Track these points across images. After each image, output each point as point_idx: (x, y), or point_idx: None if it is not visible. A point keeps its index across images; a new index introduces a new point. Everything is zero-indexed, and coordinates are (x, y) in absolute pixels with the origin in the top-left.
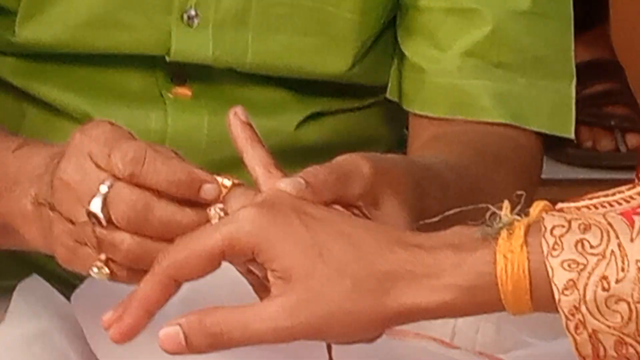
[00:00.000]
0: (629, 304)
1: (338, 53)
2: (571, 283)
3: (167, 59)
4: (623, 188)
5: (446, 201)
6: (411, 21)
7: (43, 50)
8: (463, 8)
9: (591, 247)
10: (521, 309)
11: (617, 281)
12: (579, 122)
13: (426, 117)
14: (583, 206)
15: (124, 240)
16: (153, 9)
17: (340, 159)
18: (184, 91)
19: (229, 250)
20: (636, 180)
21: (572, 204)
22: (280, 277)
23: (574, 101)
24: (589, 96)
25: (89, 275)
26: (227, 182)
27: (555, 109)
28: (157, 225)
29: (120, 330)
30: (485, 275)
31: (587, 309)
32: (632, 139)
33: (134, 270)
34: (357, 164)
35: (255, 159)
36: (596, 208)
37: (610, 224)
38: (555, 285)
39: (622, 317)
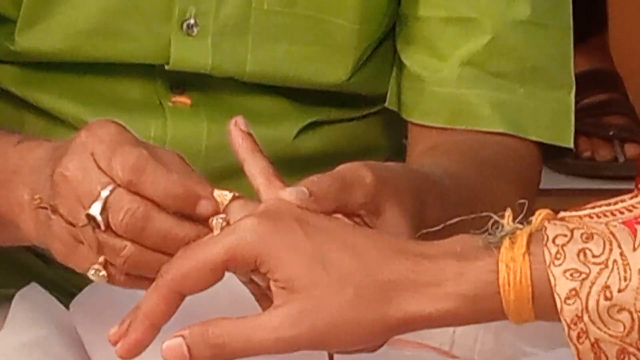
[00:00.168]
0: (631, 313)
1: (337, 62)
2: (573, 292)
3: (167, 67)
4: (625, 197)
5: (446, 209)
6: (410, 31)
7: (43, 59)
8: (462, 17)
9: (593, 256)
10: (523, 318)
11: (619, 290)
12: (577, 132)
13: (425, 126)
14: (585, 215)
15: (125, 246)
16: (152, 18)
17: (342, 167)
18: (183, 100)
19: (232, 261)
20: (636, 190)
21: (574, 213)
22: (282, 287)
23: (573, 111)
24: (588, 106)
25: (86, 275)
26: (227, 195)
27: (554, 118)
28: (154, 237)
29: (127, 346)
30: (488, 284)
31: (590, 318)
32: (630, 149)
33: (132, 275)
34: (359, 173)
35: (256, 169)
36: (598, 217)
37: (612, 233)
38: (557, 294)
39: (625, 326)
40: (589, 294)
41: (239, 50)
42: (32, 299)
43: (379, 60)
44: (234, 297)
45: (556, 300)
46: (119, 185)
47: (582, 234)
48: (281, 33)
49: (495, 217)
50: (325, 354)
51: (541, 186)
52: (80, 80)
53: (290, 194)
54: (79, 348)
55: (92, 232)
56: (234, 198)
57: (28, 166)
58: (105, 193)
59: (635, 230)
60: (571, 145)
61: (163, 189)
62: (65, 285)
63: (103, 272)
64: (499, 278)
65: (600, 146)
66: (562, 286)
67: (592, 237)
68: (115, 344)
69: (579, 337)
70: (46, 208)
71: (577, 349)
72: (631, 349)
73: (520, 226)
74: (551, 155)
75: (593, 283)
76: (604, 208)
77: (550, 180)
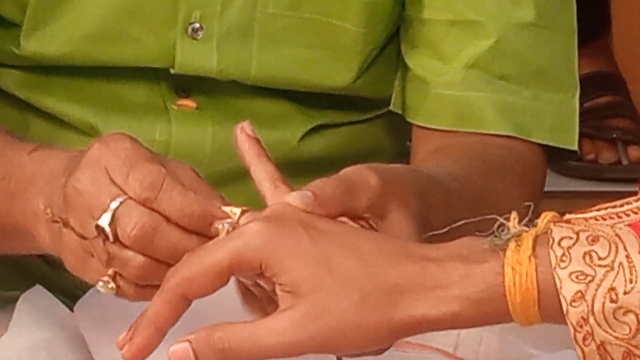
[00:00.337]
0: (637, 315)
1: (342, 66)
2: (579, 295)
3: (172, 71)
4: (631, 199)
5: (450, 212)
6: (415, 33)
7: (48, 63)
8: (466, 20)
9: (599, 258)
10: (529, 320)
11: (625, 293)
12: (581, 135)
13: (430, 129)
14: (591, 217)
15: (135, 258)
16: (158, 21)
17: (346, 171)
18: (189, 103)
19: (237, 265)
20: None
21: (580, 215)
22: (288, 291)
23: (577, 113)
24: (591, 109)
25: (95, 285)
26: (237, 211)
27: (558, 121)
28: (162, 249)
29: (132, 350)
30: (494, 287)
31: (595, 320)
32: (634, 152)
33: (141, 287)
34: (363, 176)
35: (263, 174)
36: (604, 219)
37: (618, 236)
38: (563, 296)
39: (630, 329)
40: (594, 296)
41: (244, 54)
42: (36, 302)
43: (383, 63)
44: (239, 302)
45: (562, 302)
46: (130, 198)
47: (587, 237)
48: (286, 36)
49: (501, 220)
50: (332, 357)
51: (544, 188)
52: (85, 84)
53: (295, 198)
54: (83, 350)
55: (101, 244)
56: (243, 212)
57: (43, 176)
58: (114, 205)
59: None
60: (576, 147)
61: (179, 207)
62: (70, 287)
63: (112, 285)
64: (505, 281)
65: (603, 149)
66: (568, 289)
67: (598, 240)
68: (121, 348)
69: (584, 339)
70: (58, 222)
71: (582, 351)
72: (637, 352)
73: (525, 229)
74: (554, 157)
75: (599, 285)
76: (610, 210)
77: (554, 182)
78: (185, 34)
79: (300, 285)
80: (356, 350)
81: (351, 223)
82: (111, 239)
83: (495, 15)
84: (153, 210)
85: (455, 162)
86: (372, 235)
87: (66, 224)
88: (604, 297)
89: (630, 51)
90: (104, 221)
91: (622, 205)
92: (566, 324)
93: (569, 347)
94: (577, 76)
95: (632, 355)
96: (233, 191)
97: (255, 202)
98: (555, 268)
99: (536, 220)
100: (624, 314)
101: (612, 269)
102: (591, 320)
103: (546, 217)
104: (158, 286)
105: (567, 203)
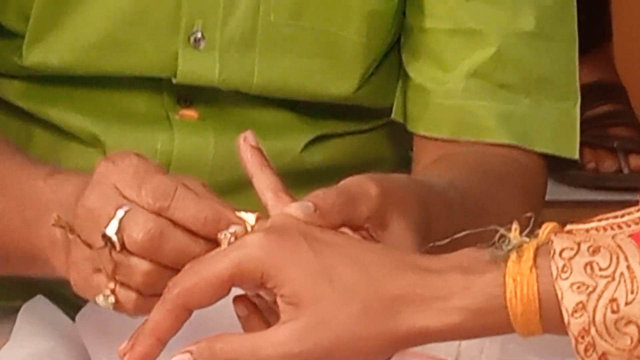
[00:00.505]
0: (638, 326)
1: (344, 75)
2: (580, 305)
3: (174, 81)
4: (632, 209)
5: (451, 221)
6: (416, 42)
7: (50, 73)
8: (468, 29)
9: (600, 269)
10: (530, 331)
11: (626, 303)
12: (582, 144)
13: (431, 138)
14: (592, 228)
15: (142, 265)
16: (160, 31)
17: (347, 181)
18: (191, 113)
19: (238, 276)
20: None
21: (580, 226)
22: (289, 302)
23: (578, 122)
24: (592, 117)
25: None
26: (252, 217)
27: (559, 129)
28: (170, 254)
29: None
30: (495, 298)
31: (597, 331)
32: (635, 161)
33: (141, 299)
34: (364, 186)
35: (265, 184)
36: (605, 230)
37: (619, 246)
38: (564, 307)
39: (632, 340)
40: (596, 307)
41: (246, 64)
42: (38, 311)
43: (385, 72)
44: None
45: (563, 313)
46: (136, 205)
47: (588, 247)
48: (288, 46)
49: (502, 231)
50: None
51: (545, 197)
52: (88, 94)
53: (295, 209)
54: None
55: (108, 254)
56: (257, 219)
57: (59, 202)
58: (120, 213)
59: None
60: (577, 156)
61: (193, 213)
62: (71, 297)
63: (111, 298)
64: (506, 292)
65: (604, 157)
66: (569, 299)
67: (599, 250)
68: (123, 357)
69: (586, 350)
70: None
71: None
72: None
73: (526, 239)
74: (555, 166)
75: (600, 296)
76: (611, 221)
77: (554, 191)
78: (188, 43)
79: (301, 296)
80: None
81: (352, 234)
82: (118, 247)
83: (496, 24)
84: (166, 218)
85: (456, 171)
86: (373, 246)
87: (72, 232)
88: (605, 308)
89: (631, 60)
90: (111, 230)
91: (623, 216)
92: (567, 334)
93: (571, 356)
94: (578, 85)
95: None
96: (235, 201)
97: None
98: (556, 279)
99: (537, 231)
100: (626, 324)
101: (614, 279)
102: (592, 331)
103: (547, 228)
104: (157, 299)
105: (568, 212)
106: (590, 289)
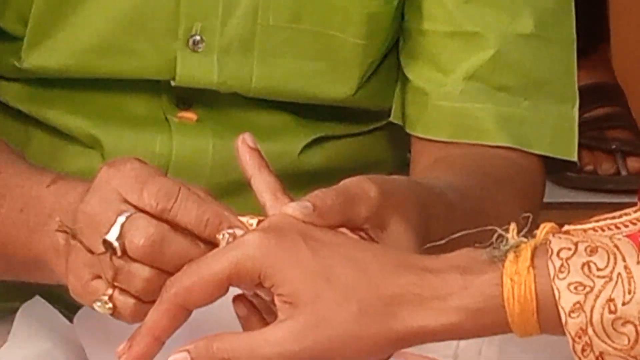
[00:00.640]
0: (635, 326)
1: (342, 78)
2: (578, 305)
3: (173, 83)
4: (629, 210)
5: (450, 222)
6: (414, 45)
7: (49, 76)
8: (466, 32)
9: (598, 269)
10: (528, 331)
11: (623, 303)
12: (580, 146)
13: (429, 140)
14: (589, 228)
15: (143, 270)
16: (159, 34)
17: (346, 182)
18: (189, 115)
19: (236, 275)
20: None
21: (578, 226)
22: (287, 302)
23: (577, 124)
24: (590, 120)
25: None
26: (253, 222)
27: (558, 132)
28: (171, 260)
29: (130, 359)
30: (492, 298)
31: (594, 331)
32: (633, 163)
33: (139, 305)
34: (363, 187)
35: (263, 185)
36: (603, 230)
37: (616, 246)
38: (562, 307)
39: (629, 340)
40: (593, 307)
41: (244, 66)
42: (35, 313)
43: (383, 75)
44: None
45: (561, 313)
46: (140, 211)
47: (586, 247)
48: (286, 48)
49: (500, 231)
50: None
51: (543, 199)
52: (87, 96)
53: (294, 209)
54: None
55: (109, 260)
56: (259, 223)
57: (62, 209)
58: (121, 219)
59: None
60: (575, 158)
61: (195, 215)
62: (69, 298)
63: (108, 305)
64: (504, 292)
65: (602, 160)
66: (567, 299)
67: (597, 251)
68: (120, 357)
69: (583, 350)
70: (67, 232)
71: None
72: None
73: (524, 240)
74: (553, 168)
75: (597, 296)
76: (609, 221)
77: (553, 193)
78: (186, 46)
79: (299, 295)
80: None
81: (350, 234)
82: (119, 253)
83: (494, 26)
84: (168, 221)
85: (454, 173)
86: (372, 246)
87: (74, 237)
88: (603, 308)
89: (629, 62)
90: (112, 236)
91: (620, 216)
92: (565, 334)
93: (569, 357)
94: (577, 87)
95: None
96: (234, 203)
97: None
98: (553, 279)
99: (535, 231)
100: (623, 324)
101: (611, 279)
102: (590, 331)
103: (545, 228)
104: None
105: (566, 214)
106: (588, 289)
